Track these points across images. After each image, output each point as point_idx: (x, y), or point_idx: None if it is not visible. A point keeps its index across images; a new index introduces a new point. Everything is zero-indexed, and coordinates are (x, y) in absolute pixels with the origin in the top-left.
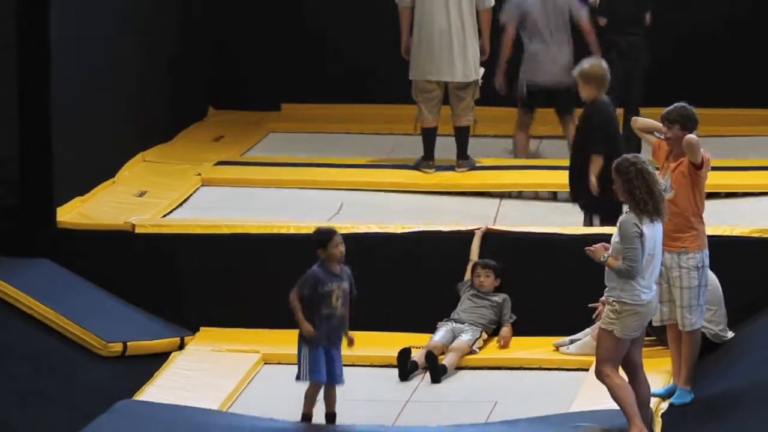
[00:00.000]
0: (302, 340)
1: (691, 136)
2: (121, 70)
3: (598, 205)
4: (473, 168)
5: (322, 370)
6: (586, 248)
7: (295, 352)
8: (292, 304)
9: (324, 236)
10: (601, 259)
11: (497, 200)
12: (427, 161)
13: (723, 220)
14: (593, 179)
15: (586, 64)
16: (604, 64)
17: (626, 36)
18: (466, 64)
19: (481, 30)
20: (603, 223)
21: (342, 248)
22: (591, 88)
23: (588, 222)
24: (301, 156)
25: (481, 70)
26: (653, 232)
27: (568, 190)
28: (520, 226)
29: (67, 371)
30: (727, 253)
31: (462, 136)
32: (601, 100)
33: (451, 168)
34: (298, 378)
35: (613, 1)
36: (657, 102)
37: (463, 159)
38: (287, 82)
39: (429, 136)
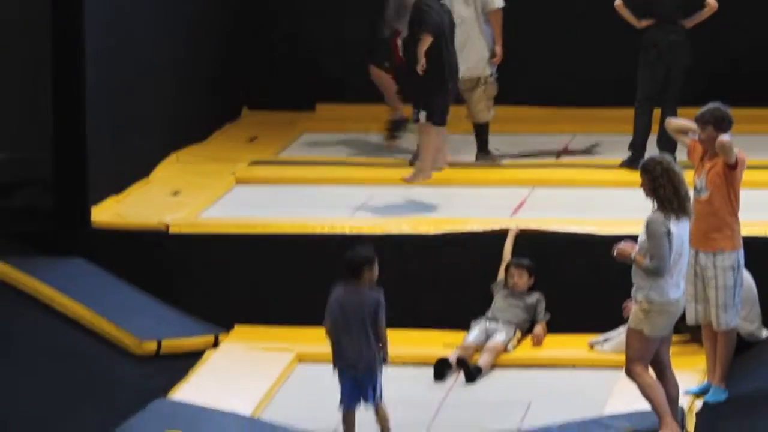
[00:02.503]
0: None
1: (724, 138)
2: (157, 71)
3: (424, 99)
4: (495, 163)
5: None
6: (614, 247)
7: (329, 350)
8: (385, 338)
9: (370, 257)
10: (629, 259)
11: (525, 191)
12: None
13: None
14: (421, 54)
15: None
16: None
17: (667, 35)
18: (469, 63)
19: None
20: (428, 119)
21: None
22: None
23: (416, 118)
24: (336, 156)
25: (493, 67)
26: (680, 230)
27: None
28: (553, 224)
29: (101, 370)
30: (763, 253)
31: (478, 132)
32: None
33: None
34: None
35: (653, 1)
36: (693, 101)
37: (482, 153)
38: (321, 83)
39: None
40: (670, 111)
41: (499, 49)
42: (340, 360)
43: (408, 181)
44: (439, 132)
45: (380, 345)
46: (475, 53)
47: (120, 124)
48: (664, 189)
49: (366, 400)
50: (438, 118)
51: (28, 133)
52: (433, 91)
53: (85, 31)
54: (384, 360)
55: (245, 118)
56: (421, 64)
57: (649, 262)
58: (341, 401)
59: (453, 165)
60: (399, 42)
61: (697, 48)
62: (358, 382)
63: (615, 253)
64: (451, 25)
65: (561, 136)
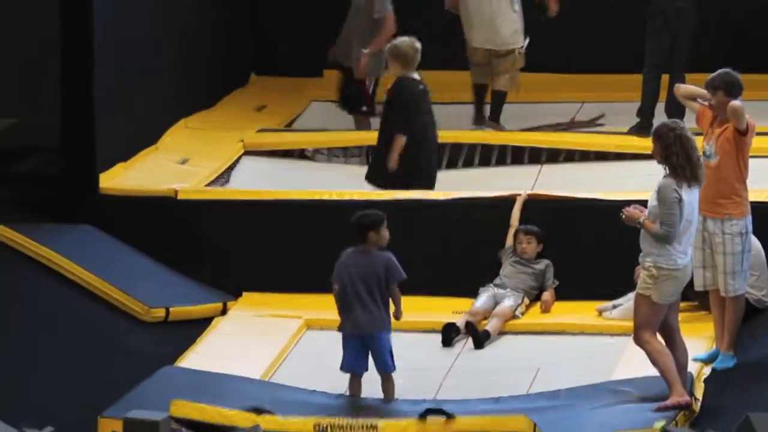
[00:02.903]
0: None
1: (736, 103)
2: (164, 37)
3: (392, 186)
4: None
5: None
6: (622, 211)
7: (337, 317)
8: (398, 297)
9: (378, 218)
10: (638, 223)
11: (537, 166)
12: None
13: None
14: (394, 156)
15: (397, 40)
16: (416, 44)
17: (674, 2)
18: (500, 36)
19: None
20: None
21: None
22: (397, 65)
23: None
24: (344, 124)
25: (526, 41)
26: (691, 197)
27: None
28: (562, 191)
29: (110, 336)
30: None
31: (495, 100)
32: (405, 78)
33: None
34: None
35: None
36: (702, 68)
37: (493, 122)
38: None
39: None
40: (678, 77)
41: (553, 5)
42: (346, 324)
43: None
44: None
45: (392, 306)
46: (507, 26)
47: (128, 90)
48: (676, 156)
49: (367, 366)
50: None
51: (37, 99)
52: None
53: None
54: (396, 317)
55: (253, 84)
56: (392, 166)
57: (658, 228)
58: (342, 365)
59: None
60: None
61: (706, 14)
62: (364, 346)
63: (623, 217)
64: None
65: (569, 104)
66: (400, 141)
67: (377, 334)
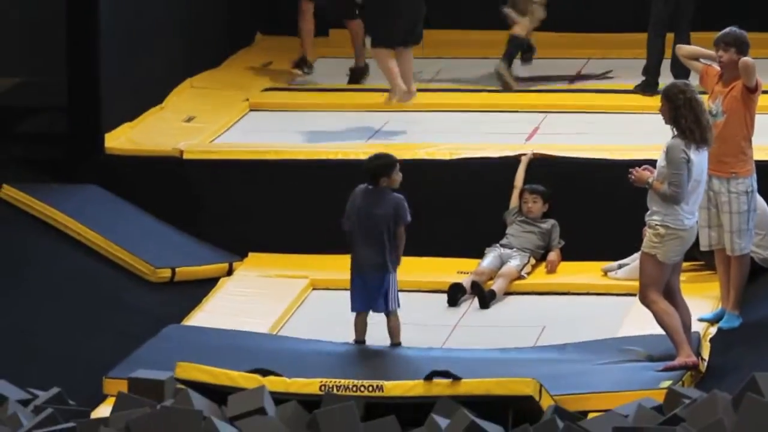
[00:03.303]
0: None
1: (748, 59)
2: None
3: (367, 24)
4: (507, 85)
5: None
6: (630, 171)
7: (343, 277)
8: (403, 239)
9: (389, 161)
10: (646, 184)
11: (539, 117)
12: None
13: None
14: None
15: None
16: None
17: None
18: None
19: None
20: (374, 44)
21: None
22: None
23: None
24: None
25: None
26: (700, 158)
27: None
28: (567, 150)
29: (116, 296)
30: None
31: (509, 41)
32: None
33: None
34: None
35: None
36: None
37: (504, 63)
38: (335, 9)
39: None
40: (683, 36)
41: None
42: (352, 262)
43: (385, 104)
44: (395, 54)
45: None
46: None
47: (133, 50)
48: (685, 119)
49: (376, 307)
50: (385, 41)
51: (42, 58)
52: (375, 15)
53: None
54: (394, 264)
55: (259, 44)
56: None
57: (667, 188)
58: (352, 306)
59: (465, 90)
60: None
61: None
62: (368, 286)
63: (632, 179)
64: None
65: (575, 61)
66: None
67: (378, 274)
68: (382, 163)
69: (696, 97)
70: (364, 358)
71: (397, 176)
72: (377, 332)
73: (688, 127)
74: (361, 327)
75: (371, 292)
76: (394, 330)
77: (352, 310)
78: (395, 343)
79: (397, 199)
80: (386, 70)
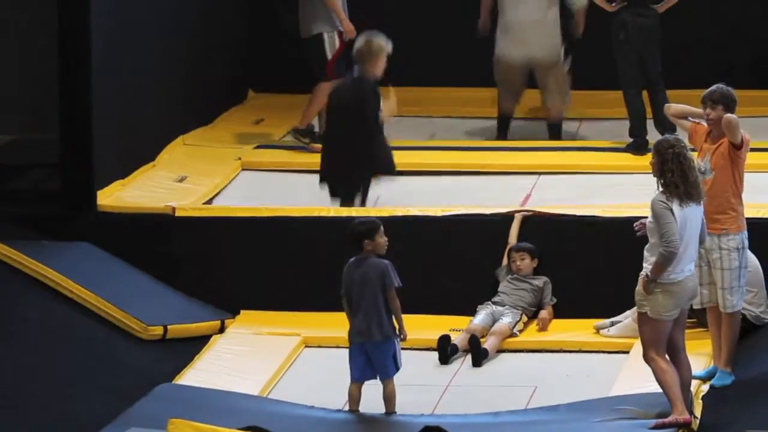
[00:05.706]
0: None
1: (731, 115)
2: (162, 55)
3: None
4: None
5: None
6: (635, 225)
7: (335, 334)
8: (396, 304)
9: (372, 226)
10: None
11: (534, 178)
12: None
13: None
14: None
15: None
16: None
17: (636, 17)
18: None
19: None
20: (343, 204)
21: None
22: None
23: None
24: None
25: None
26: (685, 213)
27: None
28: (560, 208)
29: (107, 354)
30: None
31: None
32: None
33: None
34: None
35: None
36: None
37: None
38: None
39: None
40: (658, 92)
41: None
42: (350, 332)
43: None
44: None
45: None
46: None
47: (126, 107)
48: (672, 173)
49: (374, 375)
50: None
51: (35, 116)
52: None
53: (91, 15)
54: (399, 335)
55: (251, 101)
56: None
57: (660, 246)
58: (351, 376)
59: (462, 148)
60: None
61: (692, 32)
62: (367, 355)
63: (637, 227)
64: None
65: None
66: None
67: (376, 341)
68: (365, 228)
69: (685, 153)
70: (358, 426)
71: (382, 239)
72: (369, 393)
73: (673, 182)
74: (355, 397)
75: (376, 361)
76: (389, 397)
77: (353, 380)
78: (390, 412)
79: (382, 265)
80: None
